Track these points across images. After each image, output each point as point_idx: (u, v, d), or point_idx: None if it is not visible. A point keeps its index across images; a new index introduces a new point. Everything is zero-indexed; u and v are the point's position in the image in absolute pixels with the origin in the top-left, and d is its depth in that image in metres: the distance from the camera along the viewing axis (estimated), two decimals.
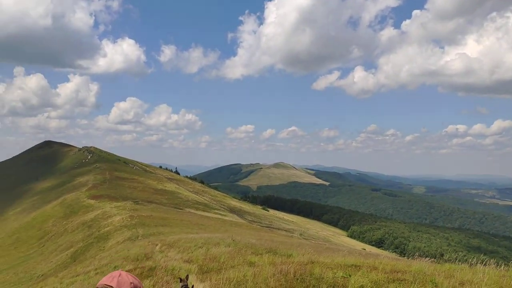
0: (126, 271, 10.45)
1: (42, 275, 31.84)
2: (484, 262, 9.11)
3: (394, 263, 9.13)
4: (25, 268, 38.83)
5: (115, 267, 12.84)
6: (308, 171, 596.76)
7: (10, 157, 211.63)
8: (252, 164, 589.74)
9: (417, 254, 13.09)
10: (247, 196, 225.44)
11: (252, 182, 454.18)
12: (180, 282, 6.68)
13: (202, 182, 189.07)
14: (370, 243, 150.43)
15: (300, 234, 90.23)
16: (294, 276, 7.82)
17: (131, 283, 2.74)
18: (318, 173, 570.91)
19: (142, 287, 2.85)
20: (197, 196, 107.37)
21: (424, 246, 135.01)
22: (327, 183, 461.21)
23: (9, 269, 40.80)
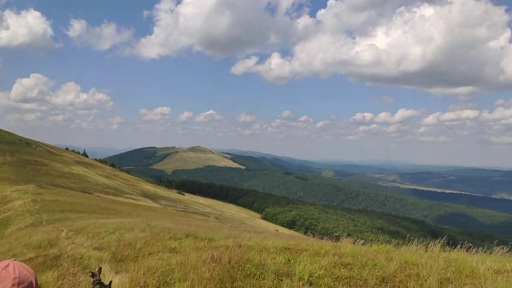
0: (26, 259, 9.17)
1: None
2: (388, 242, 9.66)
3: (321, 244, 9.06)
4: None
5: (13, 255, 11.52)
6: (225, 155, 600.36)
7: None
8: (167, 147, 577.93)
9: (323, 234, 13.51)
10: (161, 180, 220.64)
11: (167, 166, 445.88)
12: (92, 277, 5.68)
13: (113, 166, 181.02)
14: (282, 224, 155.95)
15: (216, 218, 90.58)
16: (230, 263, 7.04)
17: (14, 278, 2.17)
18: (235, 157, 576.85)
19: (35, 281, 2.28)
20: (107, 180, 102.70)
21: (332, 227, 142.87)
22: (243, 167, 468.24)
23: None
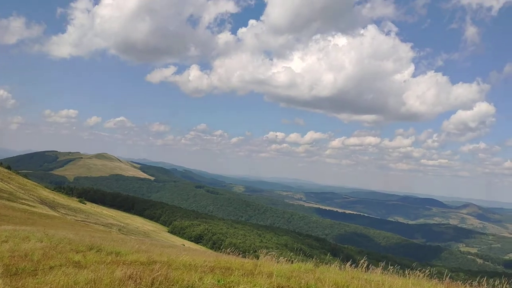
0: None
1: None
2: (293, 259, 9.68)
3: (241, 262, 8.61)
4: None
5: None
6: (134, 164, 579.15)
7: None
8: (71, 152, 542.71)
9: (230, 250, 13.22)
10: (62, 187, 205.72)
11: (69, 172, 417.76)
12: None
13: (8, 168, 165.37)
14: (189, 238, 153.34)
15: (119, 229, 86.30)
16: (153, 285, 5.97)
17: None
18: (144, 167, 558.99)
19: None
20: (1, 183, 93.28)
21: (240, 242, 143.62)
22: (152, 178, 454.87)
23: None
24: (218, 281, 6.79)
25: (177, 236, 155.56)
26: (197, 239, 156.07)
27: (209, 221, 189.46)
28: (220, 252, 17.18)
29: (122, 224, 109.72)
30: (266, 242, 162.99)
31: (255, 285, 6.58)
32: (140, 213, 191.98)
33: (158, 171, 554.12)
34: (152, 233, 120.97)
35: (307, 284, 6.96)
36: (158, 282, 6.32)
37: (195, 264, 7.92)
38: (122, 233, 75.06)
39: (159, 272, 6.52)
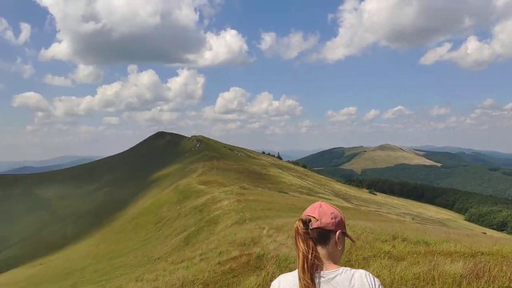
0: (231, 258, 8.93)
1: (158, 258, 33.18)
2: None
3: None
4: (144, 251, 41.13)
5: (220, 252, 11.92)
6: (417, 152, 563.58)
7: (128, 149, 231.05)
8: (355, 147, 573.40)
9: None
10: (351, 180, 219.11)
11: (355, 166, 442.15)
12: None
13: (304, 167, 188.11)
14: (490, 226, 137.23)
15: (412, 218, 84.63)
16: None
17: (331, 213, 2.74)
18: (428, 154, 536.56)
19: (342, 216, 2.79)
20: (300, 181, 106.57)
21: None
22: (438, 164, 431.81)
23: (130, 253, 43.65)
24: None
25: (475, 223, 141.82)
26: (500, 227, 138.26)
27: (511, 207, 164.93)
28: None
29: (415, 213, 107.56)
30: None
31: None
32: (431, 201, 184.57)
33: (444, 156, 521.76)
34: (448, 222, 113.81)
35: None
36: None
37: None
38: (417, 222, 73.26)
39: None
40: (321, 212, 2.74)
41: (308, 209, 2.84)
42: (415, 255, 7.12)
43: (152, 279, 11.10)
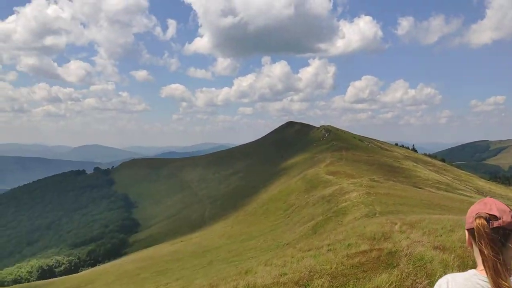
0: (360, 251, 8.67)
1: (287, 244, 34.09)
2: None
3: None
4: (273, 236, 42.66)
5: (348, 244, 11.65)
6: None
7: (260, 137, 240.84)
8: (502, 140, 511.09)
9: None
10: (497, 176, 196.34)
11: (503, 161, 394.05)
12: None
13: (443, 161, 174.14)
14: None
15: None
16: None
17: (510, 211, 2.59)
18: None
19: None
20: (437, 175, 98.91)
21: None
22: None
23: (260, 236, 45.71)
24: None
25: None
26: None
27: None
28: None
29: None
30: None
31: None
32: None
33: None
34: None
35: None
36: None
37: None
38: None
39: None
40: (500, 209, 2.59)
41: (478, 206, 2.70)
42: None
43: (280, 265, 11.38)
